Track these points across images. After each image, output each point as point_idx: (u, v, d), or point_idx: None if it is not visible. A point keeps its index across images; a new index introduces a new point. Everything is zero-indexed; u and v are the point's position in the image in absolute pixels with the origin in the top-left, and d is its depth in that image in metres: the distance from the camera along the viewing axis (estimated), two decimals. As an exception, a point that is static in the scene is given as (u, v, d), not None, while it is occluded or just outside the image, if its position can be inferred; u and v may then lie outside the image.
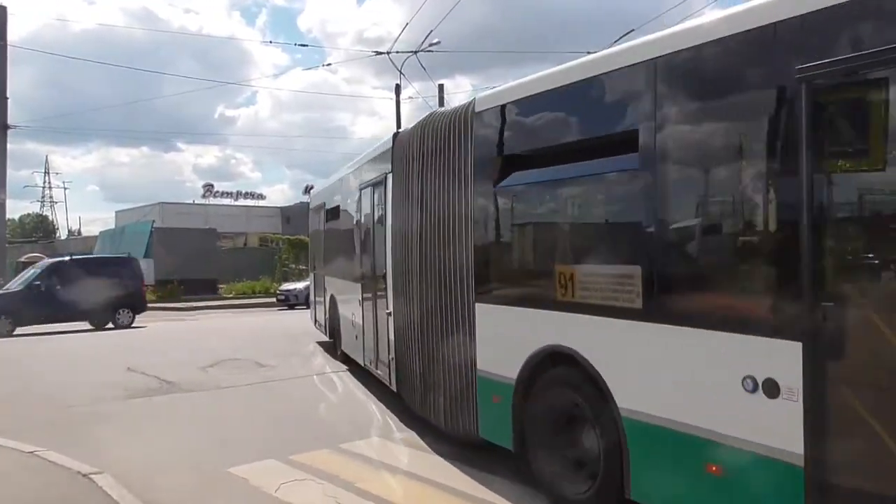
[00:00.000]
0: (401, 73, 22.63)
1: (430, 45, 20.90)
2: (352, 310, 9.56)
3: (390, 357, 7.42)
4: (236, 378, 10.19)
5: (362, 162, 9.25)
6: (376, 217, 8.19)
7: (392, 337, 7.32)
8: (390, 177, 7.38)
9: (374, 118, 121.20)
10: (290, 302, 24.48)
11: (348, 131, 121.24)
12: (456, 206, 5.78)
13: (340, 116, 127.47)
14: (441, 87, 24.87)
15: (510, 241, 5.60)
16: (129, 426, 7.46)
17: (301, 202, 50.79)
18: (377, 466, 5.85)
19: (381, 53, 21.70)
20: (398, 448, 6.45)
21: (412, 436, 6.77)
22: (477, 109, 5.64)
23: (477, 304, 5.53)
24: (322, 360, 11.72)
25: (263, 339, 14.52)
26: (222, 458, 5.97)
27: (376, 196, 8.16)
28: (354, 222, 9.60)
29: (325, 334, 12.52)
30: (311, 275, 15.13)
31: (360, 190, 8.97)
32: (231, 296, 28.25)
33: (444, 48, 22.16)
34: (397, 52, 21.46)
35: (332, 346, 11.90)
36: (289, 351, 12.57)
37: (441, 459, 5.99)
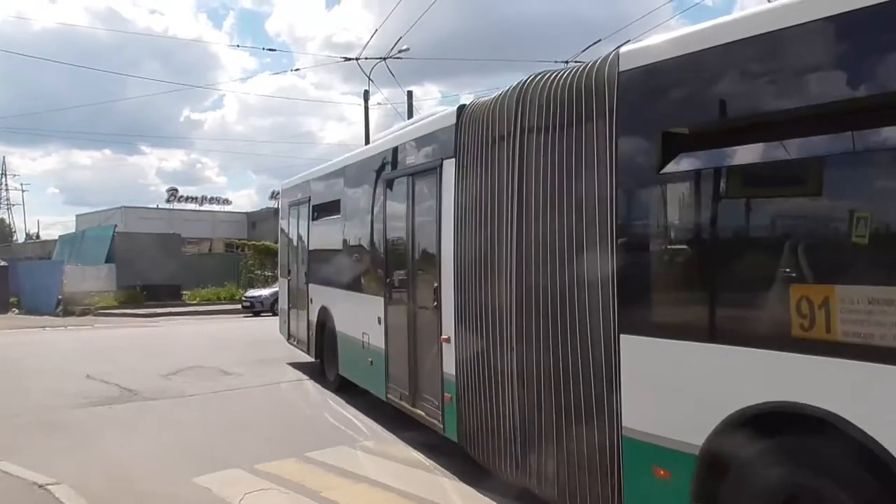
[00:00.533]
0: (370, 79, 22.65)
1: (399, 51, 20.90)
2: (363, 328, 7.78)
3: (445, 396, 5.86)
4: (200, 386, 10.02)
5: (388, 146, 7.53)
6: (418, 215, 6.55)
7: (452, 370, 5.69)
8: (450, 164, 5.78)
9: (342, 123, 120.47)
10: (256, 309, 24.23)
11: (316, 137, 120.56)
12: (586, 201, 4.18)
13: (308, 122, 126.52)
14: (410, 93, 24.79)
15: (689, 247, 3.87)
16: (88, 435, 7.25)
17: (267, 207, 50.43)
18: (344, 475, 5.78)
19: (349, 59, 21.62)
20: (366, 457, 6.38)
21: (380, 444, 6.73)
22: (624, 67, 4.02)
23: (624, 337, 3.93)
24: (290, 368, 11.54)
25: (229, 347, 14.30)
26: (185, 468, 5.85)
27: (419, 189, 6.50)
28: (371, 221, 7.82)
29: (308, 353, 10.47)
30: (284, 282, 12.47)
31: (387, 182, 7.27)
32: (195, 302, 27.75)
33: (413, 55, 22.12)
34: (366, 58, 21.40)
35: (318, 368, 10.04)
36: (255, 358, 12.38)
37: (410, 468, 5.97)
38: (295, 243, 11.55)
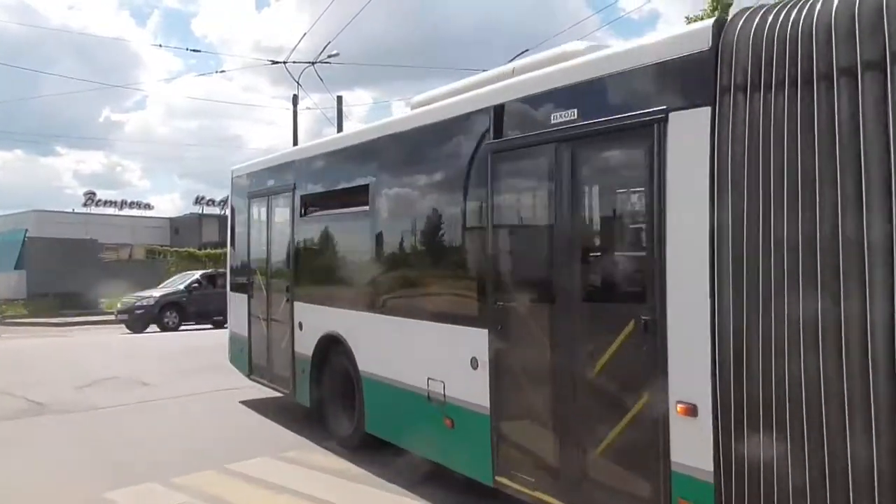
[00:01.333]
0: (298, 83, 22.36)
1: (329, 56, 20.79)
2: (431, 373, 5.46)
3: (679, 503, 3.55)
4: (115, 398, 9.63)
5: (488, 103, 5.05)
6: (588, 203, 4.47)
7: (699, 464, 3.38)
8: (693, 116, 3.50)
9: (271, 127, 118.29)
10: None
11: (243, 140, 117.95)
12: None
13: (236, 125, 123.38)
14: (340, 98, 24.64)
15: None
16: (-9, 452, 6.88)
17: (191, 213, 49.16)
18: (266, 486, 5.68)
19: (277, 63, 21.35)
20: (289, 467, 6.27)
21: (304, 454, 6.64)
22: None
23: None
24: (210, 378, 11.18)
25: (148, 357, 13.84)
26: (98, 483, 5.64)
27: (590, 160, 4.39)
28: (449, 215, 5.61)
29: (293, 396, 7.73)
30: (239, 298, 9.27)
31: (492, 154, 4.88)
32: (114, 311, 26.82)
33: (344, 60, 22.03)
34: (294, 62, 21.20)
35: (313, 416, 7.34)
36: (174, 369, 11.96)
37: (335, 478, 5.92)
38: (262, 247, 8.72)
